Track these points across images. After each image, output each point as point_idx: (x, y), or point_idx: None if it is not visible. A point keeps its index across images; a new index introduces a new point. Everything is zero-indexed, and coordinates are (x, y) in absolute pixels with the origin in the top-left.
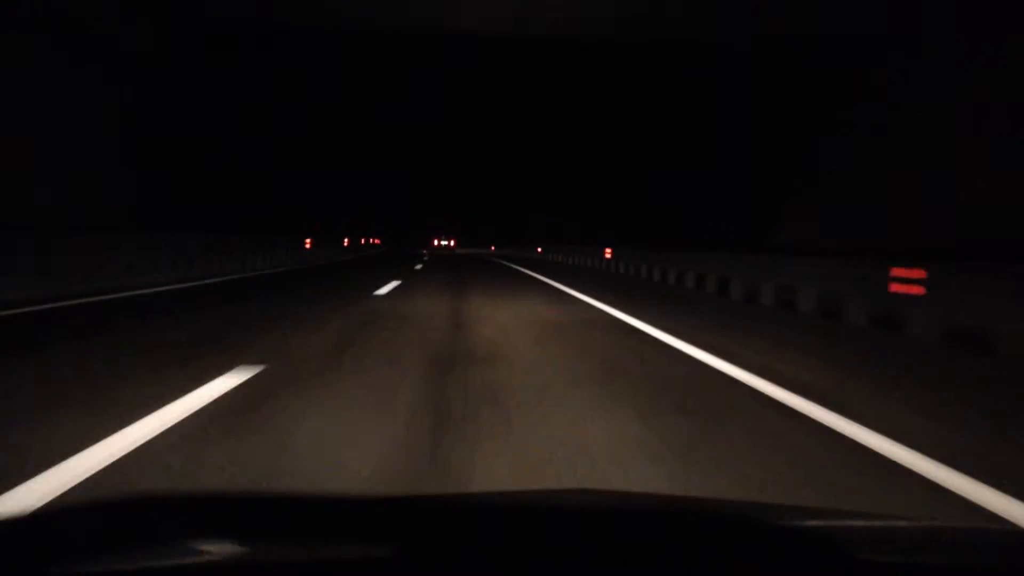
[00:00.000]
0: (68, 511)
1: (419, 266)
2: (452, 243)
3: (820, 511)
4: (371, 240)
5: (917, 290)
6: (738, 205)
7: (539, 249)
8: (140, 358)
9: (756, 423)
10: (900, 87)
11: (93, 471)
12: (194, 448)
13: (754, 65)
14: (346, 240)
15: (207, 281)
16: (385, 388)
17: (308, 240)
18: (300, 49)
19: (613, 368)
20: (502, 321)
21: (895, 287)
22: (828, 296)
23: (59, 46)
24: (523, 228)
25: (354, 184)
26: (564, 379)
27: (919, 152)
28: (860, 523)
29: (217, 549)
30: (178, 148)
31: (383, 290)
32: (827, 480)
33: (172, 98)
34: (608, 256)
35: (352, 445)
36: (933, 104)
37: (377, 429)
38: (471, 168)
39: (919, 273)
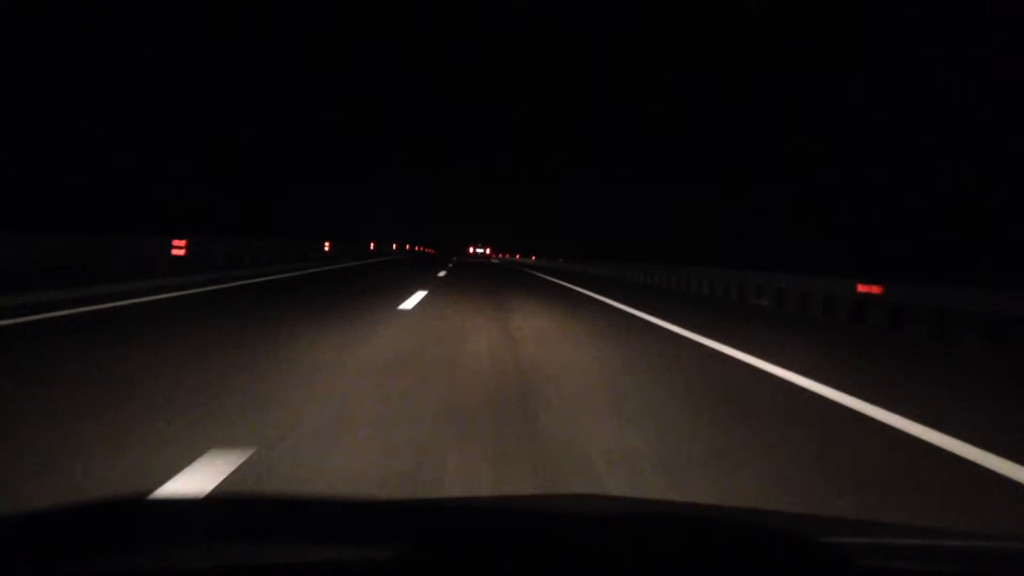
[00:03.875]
0: (68, 511)
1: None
2: (488, 251)
3: (829, 520)
4: (423, 248)
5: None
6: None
7: (560, 259)
8: (387, 285)
9: None
10: None
11: (414, 304)
12: (425, 307)
13: None
14: (394, 244)
15: (369, 261)
16: (471, 295)
17: (395, 243)
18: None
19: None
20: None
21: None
22: None
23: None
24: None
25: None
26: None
27: None
28: (868, 531)
29: (217, 550)
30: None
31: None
32: None
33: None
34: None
35: (467, 296)
36: None
37: (476, 296)
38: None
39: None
